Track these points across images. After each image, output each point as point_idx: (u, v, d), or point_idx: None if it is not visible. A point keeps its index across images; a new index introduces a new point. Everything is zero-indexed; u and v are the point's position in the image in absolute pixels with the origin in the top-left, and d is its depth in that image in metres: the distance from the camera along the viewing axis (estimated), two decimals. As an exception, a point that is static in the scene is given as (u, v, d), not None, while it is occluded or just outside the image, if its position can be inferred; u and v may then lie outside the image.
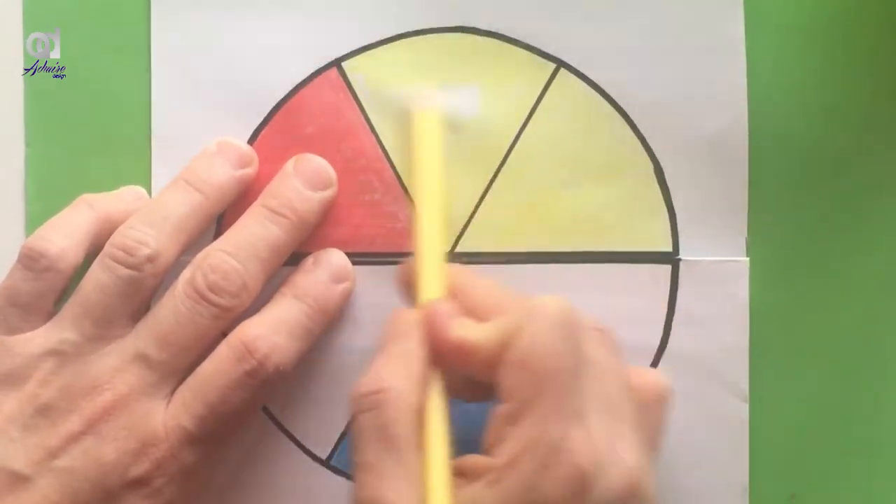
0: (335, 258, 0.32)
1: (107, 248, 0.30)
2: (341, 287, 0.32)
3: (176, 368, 0.30)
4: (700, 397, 0.33)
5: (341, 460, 0.33)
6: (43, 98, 0.34)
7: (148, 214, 0.31)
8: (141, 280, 0.30)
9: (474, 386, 0.28)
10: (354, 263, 0.33)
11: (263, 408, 0.33)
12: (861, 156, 0.34)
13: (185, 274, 0.30)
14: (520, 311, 0.26)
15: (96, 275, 0.30)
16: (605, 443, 0.25)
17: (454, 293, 0.29)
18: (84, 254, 0.31)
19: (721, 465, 0.33)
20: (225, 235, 0.31)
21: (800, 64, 0.34)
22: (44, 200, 0.33)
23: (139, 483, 0.29)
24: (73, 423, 0.29)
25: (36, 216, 0.33)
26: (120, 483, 0.29)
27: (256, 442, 0.33)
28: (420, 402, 0.26)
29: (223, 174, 0.32)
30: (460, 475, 0.26)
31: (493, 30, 0.34)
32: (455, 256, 0.33)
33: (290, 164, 0.32)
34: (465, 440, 0.33)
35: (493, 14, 0.33)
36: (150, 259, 0.30)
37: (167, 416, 0.29)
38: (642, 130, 0.33)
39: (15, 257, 0.31)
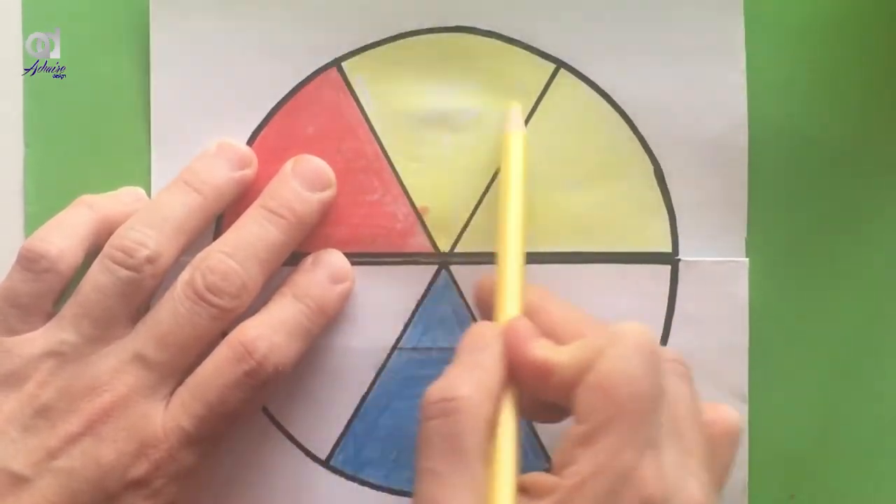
0: (334, 258, 0.32)
1: (106, 249, 0.30)
2: (340, 287, 0.32)
3: (175, 369, 0.30)
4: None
5: (340, 460, 0.34)
6: (42, 98, 0.34)
7: (147, 215, 0.31)
8: (140, 281, 0.30)
9: (542, 406, 0.28)
10: (354, 264, 0.33)
11: (263, 408, 0.33)
12: (860, 156, 0.33)
13: (184, 275, 0.30)
14: (602, 335, 0.26)
15: (95, 276, 0.30)
16: (674, 476, 0.24)
17: (531, 312, 0.29)
18: (83, 255, 0.31)
19: (720, 466, 0.33)
20: (224, 236, 0.31)
21: (799, 65, 0.33)
22: (43, 201, 0.33)
23: (139, 484, 0.29)
24: (72, 424, 0.29)
25: (35, 216, 0.33)
26: (119, 484, 0.29)
27: (256, 442, 0.33)
28: (492, 414, 0.26)
29: (222, 175, 0.32)
30: (524, 492, 0.25)
31: (492, 30, 0.34)
32: (456, 256, 0.33)
33: (288, 165, 0.32)
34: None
35: (493, 14, 0.33)
36: (150, 260, 0.30)
37: (166, 417, 0.29)
38: (642, 131, 0.33)
39: (14, 257, 0.31)
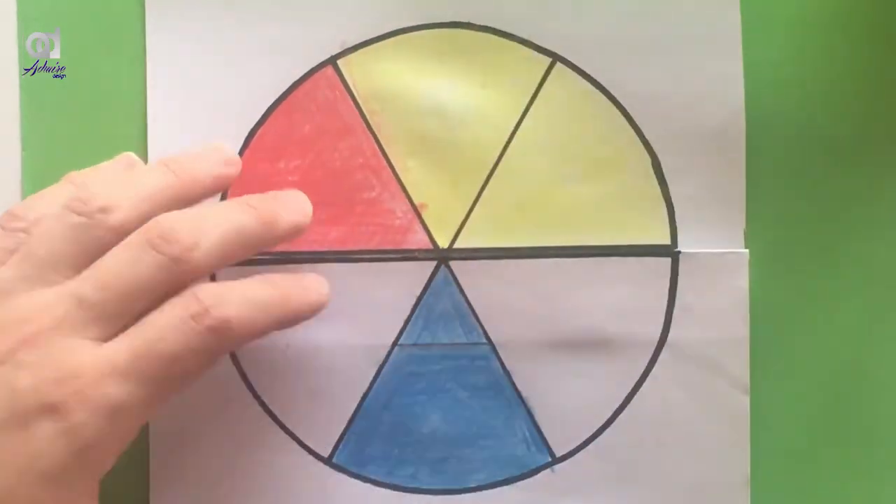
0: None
1: (65, 200, 0.30)
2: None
3: (112, 312, 0.29)
4: (701, 390, 0.33)
5: (343, 458, 0.34)
6: (39, 100, 0.34)
7: (115, 179, 0.30)
8: (90, 228, 0.29)
9: None
10: (353, 261, 0.33)
11: (264, 406, 0.33)
12: (859, 146, 0.33)
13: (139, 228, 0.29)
14: None
15: (49, 221, 0.29)
16: None
17: None
18: None
19: (722, 458, 0.33)
20: (189, 209, 0.30)
21: (796, 55, 0.33)
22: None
23: (54, 410, 0.27)
24: None
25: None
26: (34, 406, 0.27)
27: (258, 441, 0.33)
28: None
29: (202, 167, 0.32)
30: None
31: (488, 24, 0.34)
32: (455, 252, 0.33)
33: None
34: (460, 435, 0.33)
35: (488, 9, 0.33)
36: (103, 210, 0.29)
37: (97, 354, 0.28)
38: (639, 124, 0.33)
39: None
